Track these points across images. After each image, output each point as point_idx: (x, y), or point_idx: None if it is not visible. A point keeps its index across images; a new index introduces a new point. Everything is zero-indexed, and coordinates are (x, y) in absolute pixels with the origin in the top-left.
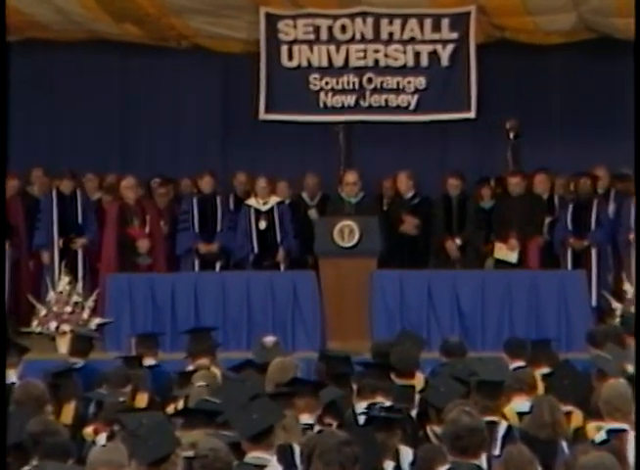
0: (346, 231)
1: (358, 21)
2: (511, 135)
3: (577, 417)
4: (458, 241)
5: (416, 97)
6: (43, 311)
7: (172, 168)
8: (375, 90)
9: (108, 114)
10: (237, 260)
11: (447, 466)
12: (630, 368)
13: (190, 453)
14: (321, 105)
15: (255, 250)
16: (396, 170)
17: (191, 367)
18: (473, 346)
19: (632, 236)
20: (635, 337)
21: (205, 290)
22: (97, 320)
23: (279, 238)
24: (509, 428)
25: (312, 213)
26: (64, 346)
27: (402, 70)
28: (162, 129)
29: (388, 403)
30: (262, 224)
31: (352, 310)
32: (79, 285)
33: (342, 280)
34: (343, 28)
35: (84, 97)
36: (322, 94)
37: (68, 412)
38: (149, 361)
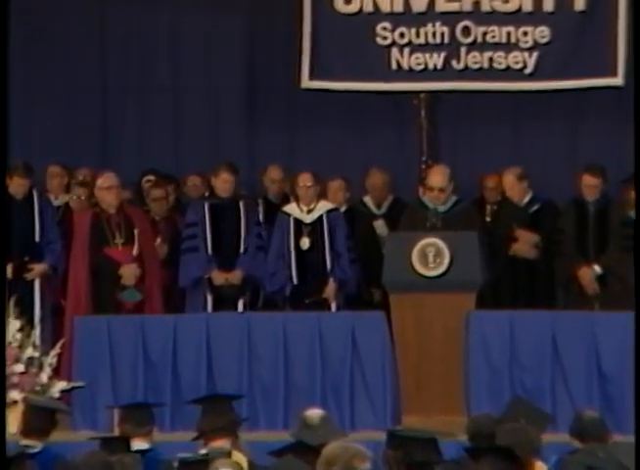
0: (431, 253)
1: None
2: None
3: None
4: (597, 268)
5: (535, 55)
6: None
7: (173, 161)
8: (474, 45)
9: (77, 74)
10: (268, 296)
11: None
12: None
13: None
14: (393, 67)
15: (295, 280)
16: (504, 165)
17: (203, 452)
18: (618, 425)
19: None
20: (635, 336)
21: (221, 339)
22: (62, 384)
23: (329, 263)
24: None
25: (379, 227)
26: (13, 422)
27: (515, 15)
28: (158, 102)
29: None
30: (305, 243)
31: (439, 370)
32: (36, 333)
33: (423, 325)
34: None
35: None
36: (395, 51)
37: None
38: (139, 444)
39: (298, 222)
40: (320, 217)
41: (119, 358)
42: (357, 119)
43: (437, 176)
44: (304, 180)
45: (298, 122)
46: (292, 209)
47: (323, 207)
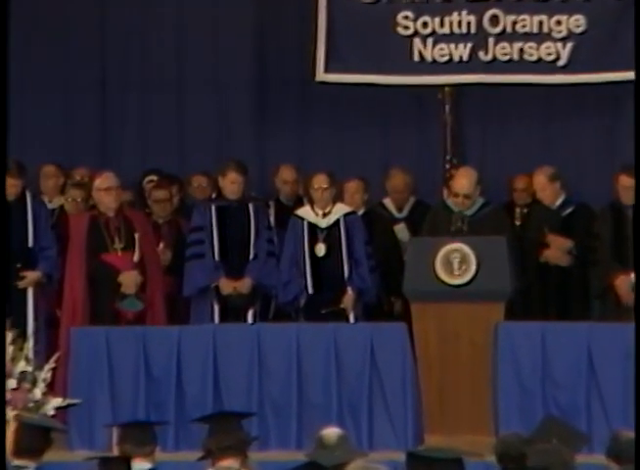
0: (456, 260)
1: None
2: None
3: None
4: (635, 277)
5: (569, 46)
6: None
7: (177, 160)
8: (503, 36)
9: (74, 68)
10: (280, 306)
11: None
12: None
13: None
14: (415, 58)
15: (309, 289)
16: (535, 164)
17: None
18: None
19: None
20: (635, 335)
21: (229, 353)
22: (57, 401)
23: (346, 271)
24: None
25: (400, 231)
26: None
27: (547, 3)
28: (161, 97)
29: None
30: (321, 249)
31: (465, 386)
32: (29, 345)
33: (448, 338)
34: None
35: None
36: (417, 42)
37: None
38: (140, 465)
39: (313, 227)
40: (336, 222)
41: (119, 373)
42: (376, 116)
43: (463, 181)
44: (319, 181)
45: (313, 119)
46: (306, 212)
47: (340, 210)
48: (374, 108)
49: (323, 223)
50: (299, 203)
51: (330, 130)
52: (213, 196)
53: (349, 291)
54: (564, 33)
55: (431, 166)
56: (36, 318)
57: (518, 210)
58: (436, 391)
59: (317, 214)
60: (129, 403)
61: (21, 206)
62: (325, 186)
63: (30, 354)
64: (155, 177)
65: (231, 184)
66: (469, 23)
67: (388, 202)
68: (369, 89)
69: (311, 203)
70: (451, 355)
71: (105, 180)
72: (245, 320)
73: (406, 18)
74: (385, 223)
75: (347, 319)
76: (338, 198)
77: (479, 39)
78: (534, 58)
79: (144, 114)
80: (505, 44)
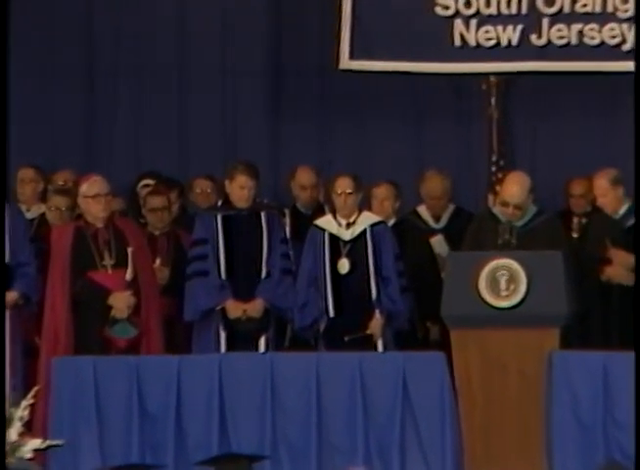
0: (504, 278)
1: None
2: None
3: None
4: None
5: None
6: None
7: (177, 161)
8: (559, 16)
9: (58, 54)
10: (297, 332)
11: None
12: None
13: None
14: (456, 43)
15: (331, 312)
16: (595, 167)
17: None
18: None
19: None
20: (634, 332)
21: (237, 386)
22: (36, 442)
23: (374, 290)
24: None
25: (438, 245)
26: None
27: None
28: (159, 89)
29: None
30: (345, 265)
31: (513, 425)
32: (4, 378)
33: (493, 369)
34: None
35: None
36: (458, 24)
37: None
38: None
39: (335, 239)
40: (363, 233)
41: (108, 410)
42: (409, 110)
43: (513, 188)
44: (343, 186)
45: (335, 113)
46: (327, 222)
47: (366, 219)
48: (407, 100)
49: (347, 235)
50: (320, 211)
51: (355, 127)
52: (219, 203)
53: (377, 314)
54: (630, 13)
55: (473, 169)
56: (13, 346)
57: (575, 219)
58: (480, 431)
59: (340, 225)
60: (121, 445)
61: None
62: (349, 191)
63: (6, 389)
64: (151, 181)
65: (240, 189)
66: (519, 2)
67: (422, 210)
68: (401, 79)
69: (333, 211)
70: (497, 390)
71: (92, 186)
72: (256, 349)
73: None
74: (419, 235)
75: (375, 348)
76: (364, 205)
77: (531, 21)
78: (596, 42)
79: (139, 106)
80: (562, 26)
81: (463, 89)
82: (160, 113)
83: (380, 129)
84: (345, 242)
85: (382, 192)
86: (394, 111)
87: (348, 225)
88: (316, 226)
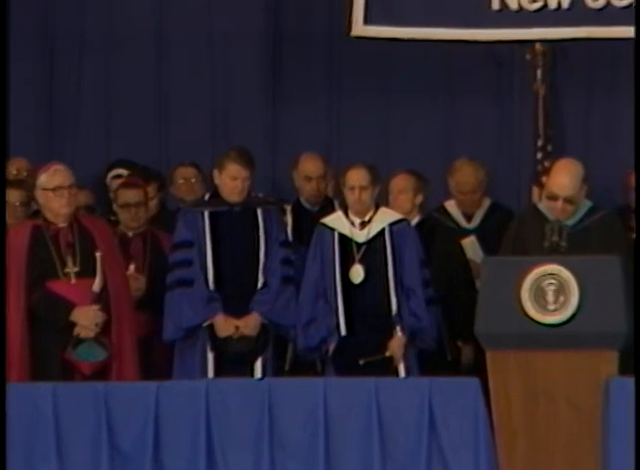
0: (551, 288)
1: None
2: None
3: None
4: None
5: None
6: None
7: (156, 146)
8: None
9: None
10: (301, 354)
11: None
12: None
13: None
14: (495, 6)
15: (342, 330)
16: None
17: None
18: None
19: None
20: (635, 336)
21: (227, 417)
22: None
23: (394, 303)
24: None
25: (470, 248)
26: None
27: None
28: (133, 58)
29: None
30: (359, 273)
31: (562, 461)
32: None
33: (538, 397)
34: None
35: None
36: None
37: None
38: None
39: (348, 241)
40: (380, 234)
41: (71, 447)
42: (437, 86)
43: (563, 179)
44: (356, 178)
45: (345, 89)
46: (337, 221)
47: (384, 217)
48: (433, 75)
49: (361, 236)
50: (328, 207)
51: (369, 105)
52: (206, 197)
53: (398, 332)
54: None
55: (514, 156)
56: None
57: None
58: (523, 468)
59: (353, 224)
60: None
61: None
62: (364, 184)
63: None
64: (123, 171)
65: (231, 181)
66: None
67: (452, 205)
68: (425, 48)
69: (344, 207)
70: (543, 421)
71: (53, 176)
72: (250, 374)
73: None
74: (447, 236)
75: (396, 372)
76: (382, 200)
77: None
78: None
79: (108, 81)
80: None
81: (502, 60)
82: (134, 89)
83: (400, 109)
84: (359, 244)
85: (397, 183)
86: (418, 87)
87: (363, 224)
88: (324, 225)
